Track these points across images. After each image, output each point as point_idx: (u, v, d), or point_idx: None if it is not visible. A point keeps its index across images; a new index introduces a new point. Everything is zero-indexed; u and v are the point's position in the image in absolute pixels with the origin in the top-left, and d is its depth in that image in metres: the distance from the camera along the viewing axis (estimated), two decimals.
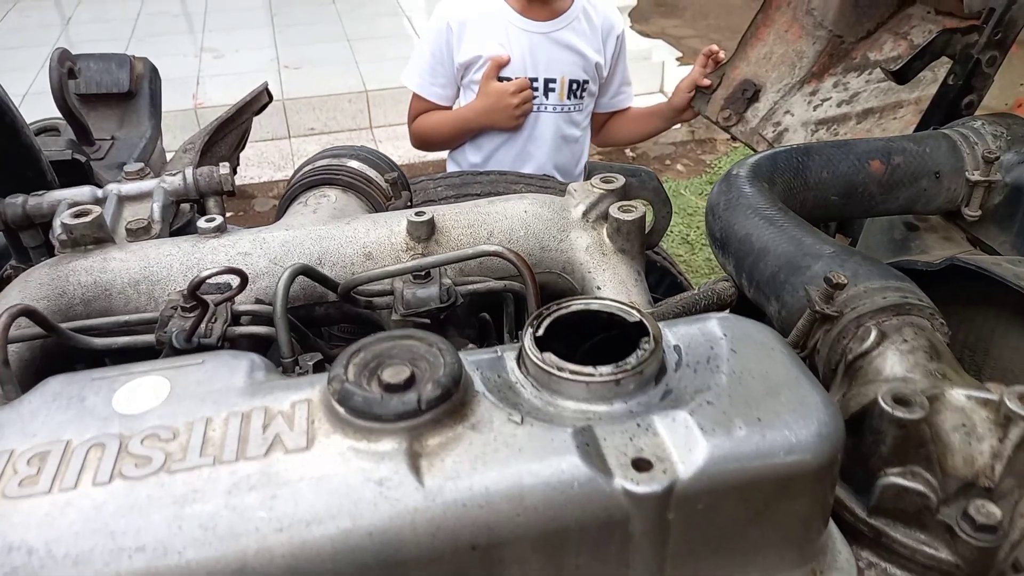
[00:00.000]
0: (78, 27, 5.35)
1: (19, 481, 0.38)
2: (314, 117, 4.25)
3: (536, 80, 1.71)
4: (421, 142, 1.86)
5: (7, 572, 0.34)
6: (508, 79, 1.70)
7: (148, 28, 5.25)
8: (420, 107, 1.79)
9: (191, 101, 4.11)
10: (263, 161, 3.99)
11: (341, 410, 0.41)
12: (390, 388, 0.42)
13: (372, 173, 0.80)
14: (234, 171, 1.42)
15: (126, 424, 0.41)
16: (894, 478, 0.45)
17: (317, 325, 0.71)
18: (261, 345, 0.65)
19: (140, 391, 0.44)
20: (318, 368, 0.59)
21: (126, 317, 0.62)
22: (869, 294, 0.54)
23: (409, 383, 0.42)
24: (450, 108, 1.77)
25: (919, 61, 1.02)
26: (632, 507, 0.39)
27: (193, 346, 0.57)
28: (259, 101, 1.50)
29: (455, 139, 1.80)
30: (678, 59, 5.06)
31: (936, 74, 1.27)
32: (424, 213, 0.70)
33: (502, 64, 1.67)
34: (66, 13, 5.58)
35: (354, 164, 0.80)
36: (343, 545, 0.37)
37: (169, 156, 1.36)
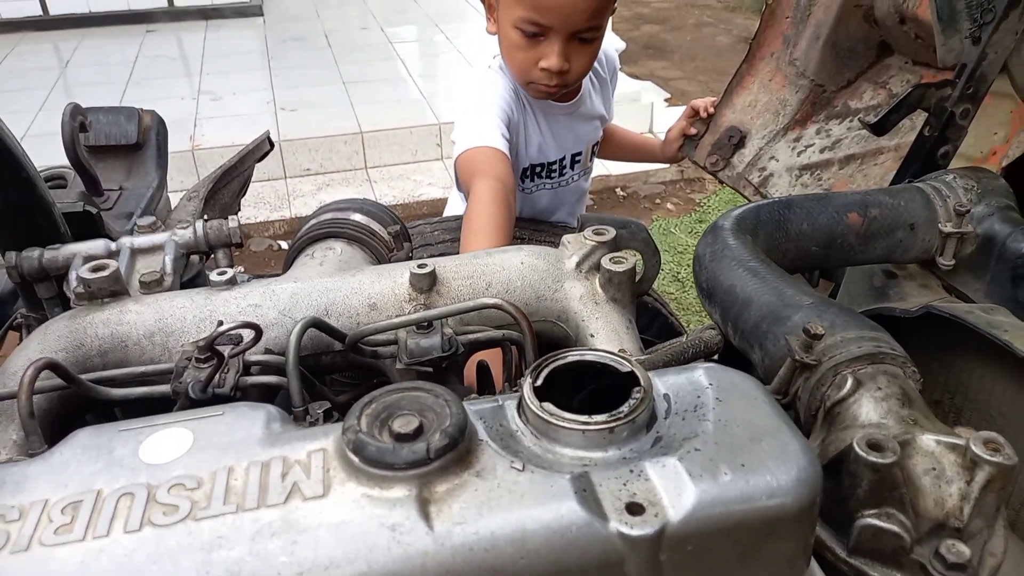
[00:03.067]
0: (76, 70, 5.44)
1: (54, 529, 0.41)
2: (310, 158, 4.32)
3: (564, 158, 1.62)
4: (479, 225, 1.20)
5: None
6: (539, 165, 1.59)
7: (146, 71, 5.35)
8: (492, 158, 1.32)
9: (188, 143, 4.18)
10: (259, 201, 4.04)
11: (355, 459, 0.44)
12: (400, 437, 0.45)
13: (375, 226, 0.84)
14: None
15: (153, 474, 0.44)
16: (871, 519, 0.48)
17: (323, 373, 0.74)
18: (270, 393, 0.68)
19: (165, 442, 0.46)
20: (327, 416, 0.61)
21: (142, 368, 0.65)
22: (845, 343, 0.57)
23: (418, 432, 0.45)
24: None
25: (896, 114, 1.08)
26: (627, 549, 0.42)
27: (208, 396, 0.60)
28: (261, 149, 1.55)
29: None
30: (667, 100, 5.18)
31: (914, 122, 1.33)
32: (426, 265, 0.73)
33: None
34: (64, 56, 5.67)
35: (358, 217, 0.84)
36: None
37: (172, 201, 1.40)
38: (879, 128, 1.10)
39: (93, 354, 0.68)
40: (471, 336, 0.69)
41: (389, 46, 5.84)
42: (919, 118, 1.19)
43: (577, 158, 1.67)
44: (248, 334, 0.61)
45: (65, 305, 0.86)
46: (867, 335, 0.58)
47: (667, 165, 4.49)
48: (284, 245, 3.76)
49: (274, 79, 5.16)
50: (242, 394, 0.64)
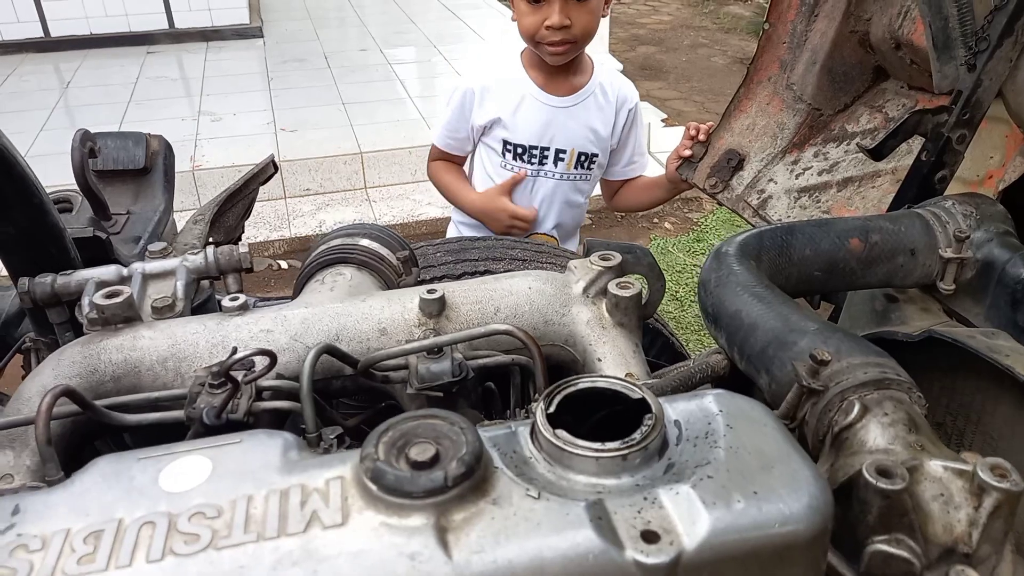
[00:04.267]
0: (77, 91, 5.47)
1: (77, 559, 0.41)
2: (310, 178, 4.34)
3: (548, 149, 1.83)
4: (432, 182, 2.02)
5: None
6: (521, 146, 1.83)
7: (146, 92, 5.38)
8: (435, 154, 1.95)
9: (189, 163, 4.20)
10: (259, 221, 4.06)
11: (373, 487, 0.44)
12: (417, 465, 0.45)
13: (384, 251, 0.85)
14: (239, 239, 1.47)
15: (173, 502, 0.45)
16: (880, 545, 0.49)
17: (333, 397, 0.75)
18: (281, 418, 0.69)
19: (184, 470, 0.47)
20: (340, 442, 0.62)
21: (156, 394, 0.66)
22: (851, 369, 0.58)
23: (435, 460, 0.46)
24: (463, 158, 1.95)
25: (893, 140, 1.10)
26: None
27: (222, 422, 0.61)
28: (265, 172, 1.56)
29: (451, 203, 1.97)
30: (663, 120, 5.22)
31: (911, 146, 1.35)
32: (435, 291, 0.74)
33: (518, 181, 1.83)
34: (65, 77, 5.71)
35: (367, 243, 0.85)
36: None
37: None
38: (877, 153, 1.11)
39: (107, 380, 0.68)
40: (480, 361, 0.70)
41: (388, 67, 5.89)
42: (916, 143, 1.21)
43: (561, 155, 1.84)
44: (262, 360, 0.62)
45: (76, 330, 0.87)
46: (872, 361, 0.59)
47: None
48: (284, 265, 3.77)
49: (274, 100, 5.20)
50: (255, 420, 0.64)
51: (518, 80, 1.82)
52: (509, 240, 1.72)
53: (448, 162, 1.94)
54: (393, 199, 4.34)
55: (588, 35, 1.74)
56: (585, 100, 1.83)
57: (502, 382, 0.79)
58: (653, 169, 2.12)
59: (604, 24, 4.71)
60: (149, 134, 1.25)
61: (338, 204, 4.32)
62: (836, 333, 0.63)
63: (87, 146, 1.08)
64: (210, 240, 1.28)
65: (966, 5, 1.03)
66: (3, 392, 1.17)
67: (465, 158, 1.95)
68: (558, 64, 1.78)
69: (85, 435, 0.68)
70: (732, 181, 1.72)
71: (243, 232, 1.55)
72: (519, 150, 1.83)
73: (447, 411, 0.49)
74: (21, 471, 0.65)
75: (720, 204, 1.78)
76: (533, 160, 1.83)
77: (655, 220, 4.27)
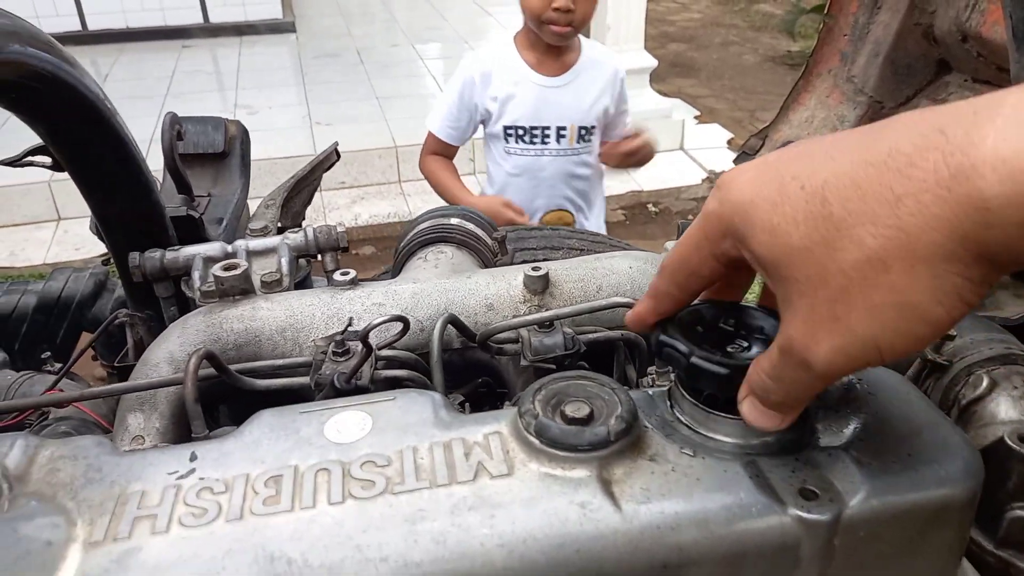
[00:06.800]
0: (114, 84, 5.55)
1: (263, 500, 0.43)
2: (345, 172, 4.38)
3: (548, 128, 1.96)
4: (424, 176, 2.11)
5: None
6: (522, 127, 1.95)
7: (183, 86, 5.45)
8: (432, 145, 2.05)
9: None
10: None
11: (536, 441, 0.46)
12: (572, 421, 0.47)
13: (480, 232, 0.87)
14: (300, 225, 1.49)
15: (342, 452, 0.47)
16: (1020, 511, 0.50)
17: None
18: (396, 387, 0.70)
19: (347, 423, 0.49)
20: (461, 407, 0.64)
21: (281, 361, 0.68)
22: (976, 345, 0.59)
23: (589, 418, 0.47)
24: (456, 150, 2.07)
25: None
26: (804, 533, 0.43)
27: (351, 387, 0.62)
28: (329, 160, 1.59)
29: (446, 200, 2.03)
30: (696, 117, 5.21)
31: None
32: (540, 268, 0.76)
33: (520, 214, 1.89)
34: (102, 71, 5.80)
35: (463, 223, 0.87)
36: (555, 560, 0.41)
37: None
38: None
39: (229, 348, 0.70)
40: (589, 336, 0.72)
41: (420, 62, 5.93)
42: None
43: (563, 132, 1.96)
44: (396, 327, 0.63)
45: (180, 304, 0.90)
46: (996, 337, 0.60)
47: (699, 181, 4.52)
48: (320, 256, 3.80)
49: (308, 94, 5.25)
50: (375, 387, 0.66)
51: (513, 63, 1.95)
52: (565, 230, 1.73)
53: (443, 158, 2.04)
54: (427, 193, 4.33)
55: (586, 21, 1.90)
56: (578, 76, 1.96)
57: (595, 359, 0.80)
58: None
59: (640, 21, 4.71)
60: (228, 119, 1.28)
61: (372, 197, 4.36)
62: None
63: (175, 129, 1.10)
64: (279, 224, 1.31)
65: None
66: (74, 373, 1.20)
67: (457, 150, 2.06)
68: (558, 44, 1.91)
69: (209, 399, 0.70)
70: None
71: (303, 219, 1.58)
72: (520, 131, 1.95)
73: (595, 373, 0.50)
74: (151, 433, 0.67)
75: None
76: (535, 140, 1.96)
77: (689, 216, 4.25)
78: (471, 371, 0.79)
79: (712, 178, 4.58)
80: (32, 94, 0.63)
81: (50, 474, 0.45)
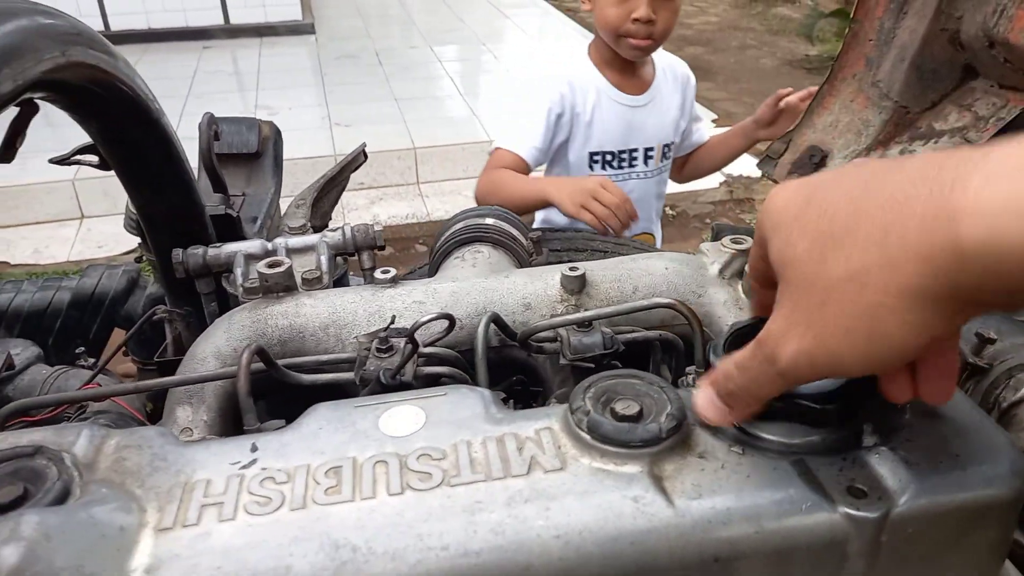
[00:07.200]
0: None
1: (324, 490, 0.45)
2: (363, 172, 4.40)
3: (636, 150, 1.79)
4: (485, 193, 1.69)
5: (338, 566, 0.40)
6: (610, 153, 1.77)
7: (204, 86, 5.50)
8: (507, 161, 1.68)
9: None
10: None
11: (587, 437, 0.47)
12: (622, 419, 0.48)
13: (515, 232, 0.88)
14: (327, 225, 1.51)
15: (398, 445, 0.48)
16: None
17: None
18: (436, 383, 0.72)
19: (401, 417, 0.50)
20: (505, 403, 0.65)
21: (325, 357, 0.69)
22: (1016, 348, 0.59)
23: (639, 415, 0.48)
24: (531, 171, 1.74)
25: (1004, 136, 1.09)
26: (853, 530, 0.44)
27: (396, 383, 0.64)
28: (357, 160, 1.60)
29: (520, 200, 1.60)
30: (714, 121, 5.20)
31: None
32: (577, 268, 0.77)
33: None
34: None
35: (498, 223, 0.88)
36: (609, 552, 0.42)
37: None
38: None
39: (274, 343, 0.72)
40: (627, 336, 0.73)
41: (438, 64, 5.96)
42: None
43: (650, 153, 1.80)
44: (437, 324, 0.65)
45: (221, 300, 0.91)
46: None
47: (716, 184, 4.51)
48: (356, 254, 3.83)
49: (328, 95, 5.29)
50: (417, 383, 0.67)
51: (596, 83, 1.74)
52: (588, 231, 1.73)
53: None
54: (445, 194, 4.39)
55: (668, 34, 1.70)
56: (659, 92, 1.82)
57: (629, 359, 0.81)
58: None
59: None
60: (261, 120, 1.30)
61: (391, 198, 4.39)
62: (994, 315, 0.64)
63: (212, 129, 1.12)
64: (308, 223, 1.32)
65: None
66: (107, 369, 1.23)
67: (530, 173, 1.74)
68: (637, 59, 1.74)
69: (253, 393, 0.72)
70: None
71: (330, 219, 1.60)
72: (607, 157, 1.77)
73: (642, 372, 0.51)
74: (199, 425, 0.69)
75: None
76: (623, 164, 1.79)
77: (707, 220, 4.25)
78: (506, 368, 0.80)
79: (729, 182, 4.57)
80: (90, 96, 0.65)
81: (117, 463, 0.47)
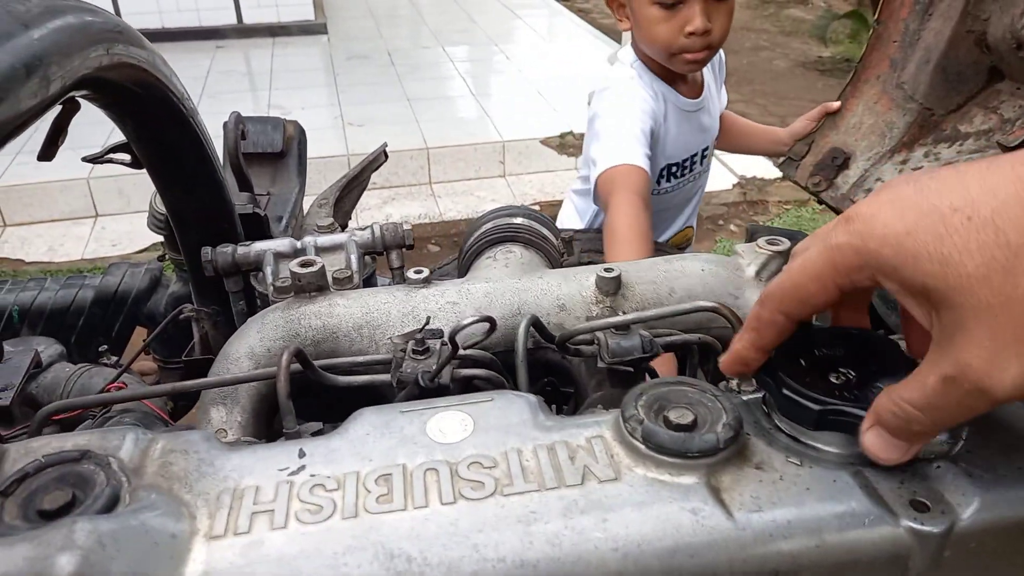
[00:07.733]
0: None
1: (376, 498, 0.44)
2: (377, 172, 4.39)
3: (695, 155, 1.67)
4: (636, 235, 1.29)
5: None
6: (676, 164, 1.63)
7: (218, 85, 5.52)
8: (631, 183, 1.35)
9: None
10: None
11: (641, 446, 0.46)
12: (677, 428, 0.47)
13: (547, 232, 0.87)
14: (347, 225, 1.51)
15: (448, 452, 0.47)
16: None
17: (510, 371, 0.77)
18: (471, 386, 0.71)
19: (449, 423, 0.49)
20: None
21: (361, 358, 0.69)
22: None
23: (693, 425, 0.47)
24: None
25: None
26: (916, 544, 0.43)
27: (434, 386, 0.63)
28: (378, 160, 1.60)
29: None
30: None
31: None
32: (612, 270, 0.76)
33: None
34: None
35: (529, 223, 0.87)
36: (669, 565, 0.41)
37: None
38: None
39: (307, 344, 0.71)
40: (666, 339, 0.72)
41: (450, 64, 5.95)
42: None
43: (705, 153, 1.70)
44: (483, 327, 0.64)
45: (249, 298, 0.91)
46: None
47: (730, 186, 4.50)
48: (385, 253, 3.84)
49: (340, 95, 5.29)
50: (454, 386, 0.67)
51: (660, 90, 1.55)
52: None
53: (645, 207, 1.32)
54: (457, 195, 4.38)
55: (725, 38, 1.51)
56: (709, 89, 1.68)
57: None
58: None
59: None
60: (286, 119, 1.30)
61: (403, 198, 4.39)
62: None
63: (239, 128, 1.12)
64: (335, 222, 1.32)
65: None
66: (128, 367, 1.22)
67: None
68: (692, 72, 1.58)
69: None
70: (837, 180, 1.70)
71: (351, 217, 1.60)
72: (673, 169, 1.64)
73: (695, 380, 0.50)
74: (233, 426, 0.68)
75: (821, 203, 1.76)
76: (686, 171, 1.67)
77: (720, 222, 4.23)
78: (538, 371, 0.79)
79: (743, 183, 4.55)
80: (129, 94, 0.64)
81: (163, 467, 0.46)
